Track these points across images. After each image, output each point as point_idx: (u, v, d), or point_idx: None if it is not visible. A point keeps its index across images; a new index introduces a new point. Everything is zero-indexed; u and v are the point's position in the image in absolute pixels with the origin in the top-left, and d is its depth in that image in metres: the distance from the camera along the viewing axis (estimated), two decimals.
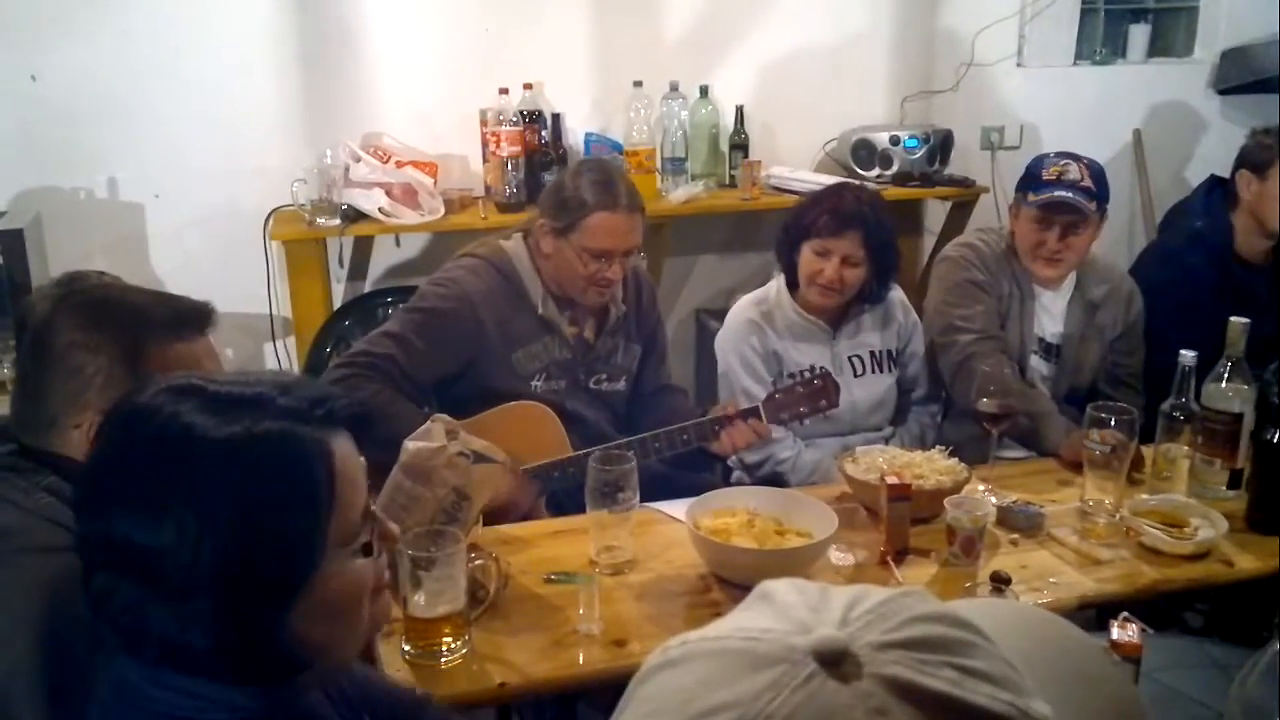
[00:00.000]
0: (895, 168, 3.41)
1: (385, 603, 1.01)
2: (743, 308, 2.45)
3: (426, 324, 2.13)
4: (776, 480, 2.29)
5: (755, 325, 2.39)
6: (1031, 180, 2.35)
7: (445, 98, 3.25)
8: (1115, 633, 1.44)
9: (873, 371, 2.44)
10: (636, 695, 0.52)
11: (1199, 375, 2.00)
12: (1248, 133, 2.73)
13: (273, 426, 0.92)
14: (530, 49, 3.27)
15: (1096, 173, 2.34)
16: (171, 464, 0.88)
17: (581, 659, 1.53)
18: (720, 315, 2.56)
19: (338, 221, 3.00)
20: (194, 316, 1.36)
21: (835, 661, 0.48)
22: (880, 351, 2.45)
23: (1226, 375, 1.99)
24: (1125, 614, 1.46)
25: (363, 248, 3.37)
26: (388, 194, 3.05)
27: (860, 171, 3.41)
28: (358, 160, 3.07)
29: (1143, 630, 1.44)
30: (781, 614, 0.51)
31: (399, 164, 3.10)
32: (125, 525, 0.87)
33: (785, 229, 2.41)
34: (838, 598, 0.52)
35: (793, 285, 2.41)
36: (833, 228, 2.29)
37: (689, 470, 2.30)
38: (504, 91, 3.14)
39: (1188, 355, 1.97)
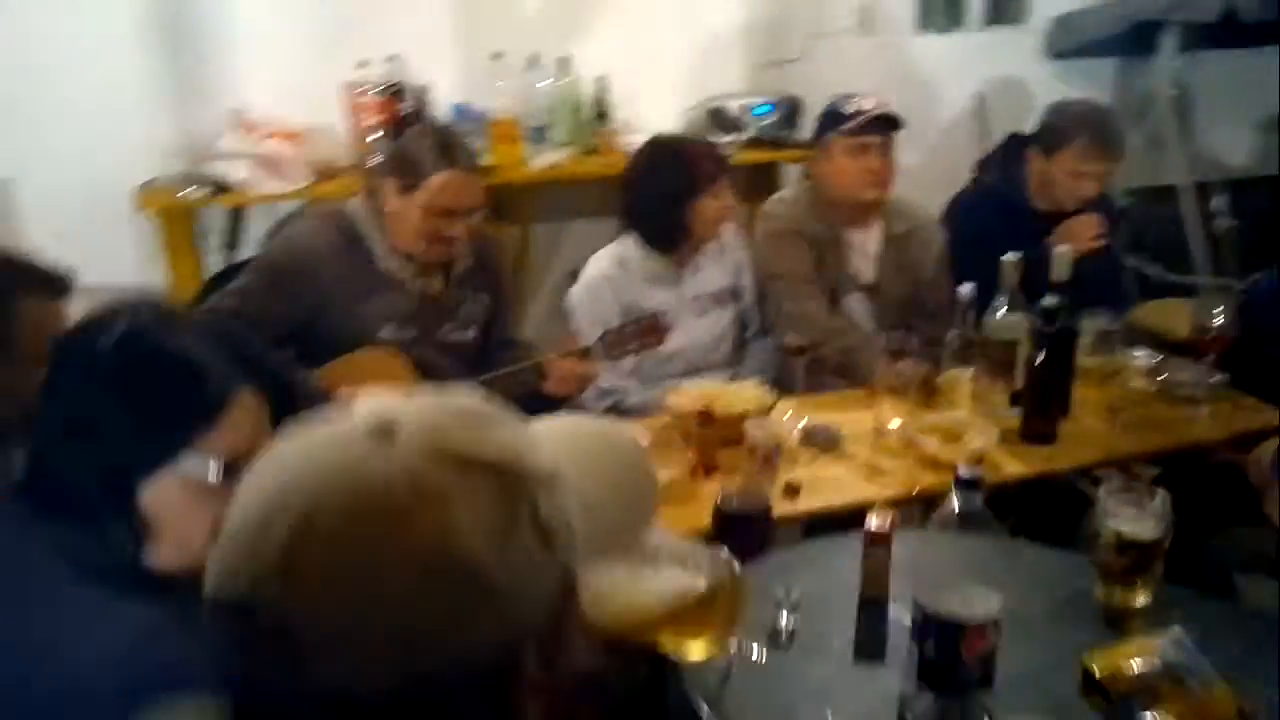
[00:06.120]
0: (748, 133, 3.61)
1: None
2: (596, 263, 2.61)
3: (267, 278, 2.24)
4: (620, 416, 2.46)
5: (609, 280, 2.55)
6: (838, 118, 2.56)
7: (310, 70, 3.31)
8: (872, 522, 1.64)
9: (716, 308, 2.63)
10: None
11: (981, 308, 2.23)
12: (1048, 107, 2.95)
13: None
14: (392, 21, 3.35)
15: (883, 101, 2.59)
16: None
17: None
18: None
19: (206, 193, 3.08)
20: (61, 281, 1.48)
21: (385, 433, 0.63)
22: (722, 289, 2.64)
23: (1005, 308, 2.23)
24: (882, 506, 1.67)
25: (235, 220, 3.44)
26: (254, 165, 3.13)
27: (715, 138, 3.60)
28: (223, 133, 3.15)
29: (893, 522, 1.64)
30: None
31: (264, 136, 3.19)
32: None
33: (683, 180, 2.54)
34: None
35: (670, 239, 2.56)
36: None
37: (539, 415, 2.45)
38: (363, 65, 3.24)
39: (965, 289, 2.20)
